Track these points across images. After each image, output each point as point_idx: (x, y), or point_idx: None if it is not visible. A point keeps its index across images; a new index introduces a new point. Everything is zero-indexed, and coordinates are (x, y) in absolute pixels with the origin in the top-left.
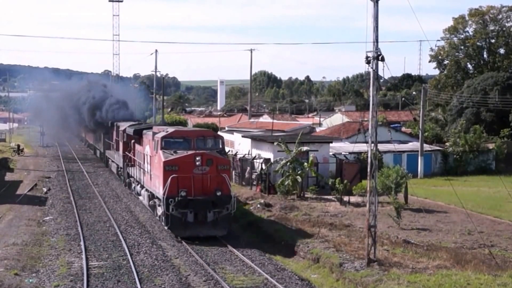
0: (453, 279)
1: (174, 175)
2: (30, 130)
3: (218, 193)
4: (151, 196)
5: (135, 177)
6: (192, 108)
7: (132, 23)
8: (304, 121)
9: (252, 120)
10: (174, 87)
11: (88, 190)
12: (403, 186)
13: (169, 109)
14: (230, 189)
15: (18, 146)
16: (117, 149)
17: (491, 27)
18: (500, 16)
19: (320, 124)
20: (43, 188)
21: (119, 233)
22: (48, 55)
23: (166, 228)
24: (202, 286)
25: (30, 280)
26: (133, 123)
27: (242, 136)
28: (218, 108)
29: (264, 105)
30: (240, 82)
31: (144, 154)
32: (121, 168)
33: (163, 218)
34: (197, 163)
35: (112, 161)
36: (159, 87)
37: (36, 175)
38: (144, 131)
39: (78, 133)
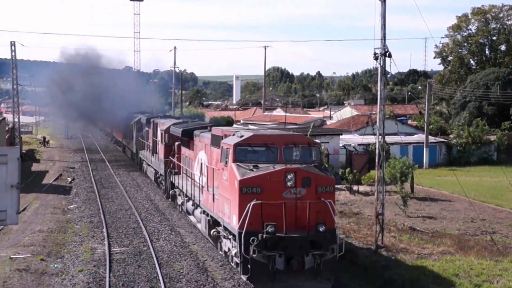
0: (456, 264)
1: (256, 201)
2: (55, 123)
3: (320, 228)
4: (213, 223)
5: (183, 190)
6: (209, 102)
7: (152, 21)
8: (315, 114)
9: (266, 113)
10: (192, 82)
11: (110, 179)
12: (409, 176)
13: (187, 103)
14: (334, 221)
15: (44, 138)
16: (155, 152)
17: (493, 25)
18: (501, 15)
19: (330, 117)
20: (68, 178)
21: (139, 220)
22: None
23: (244, 278)
24: (218, 271)
25: (55, 265)
26: (176, 120)
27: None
28: (234, 102)
29: (277, 99)
30: (255, 77)
31: (197, 161)
32: (161, 175)
33: (239, 262)
34: (289, 183)
35: (148, 165)
36: (178, 82)
37: (61, 165)
38: (197, 132)
39: (103, 127)
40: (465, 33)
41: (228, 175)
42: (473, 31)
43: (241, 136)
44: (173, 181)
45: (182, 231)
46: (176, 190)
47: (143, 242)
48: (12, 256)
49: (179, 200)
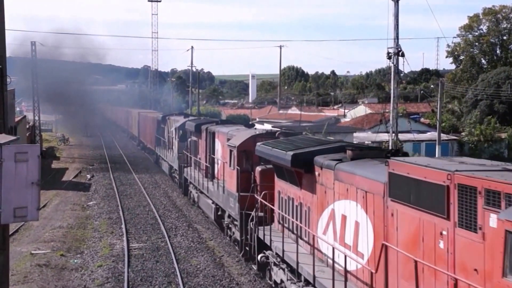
0: None
1: None
2: (75, 121)
3: None
4: None
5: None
6: (226, 101)
7: (170, 22)
8: (330, 112)
9: (281, 111)
10: (209, 81)
11: (128, 176)
12: None
13: (204, 102)
14: None
15: (63, 136)
16: (216, 176)
17: (504, 25)
18: (511, 15)
19: (344, 116)
20: (87, 175)
21: (157, 217)
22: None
23: None
24: (235, 266)
25: (75, 261)
26: (250, 130)
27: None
28: (250, 100)
29: (293, 98)
30: (270, 76)
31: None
32: (231, 217)
33: None
34: None
35: (201, 192)
36: (195, 81)
37: (80, 163)
38: (325, 162)
39: (127, 128)
40: (477, 33)
41: None
42: (484, 31)
43: None
44: (271, 240)
45: (199, 227)
46: (270, 255)
47: (161, 238)
48: (32, 252)
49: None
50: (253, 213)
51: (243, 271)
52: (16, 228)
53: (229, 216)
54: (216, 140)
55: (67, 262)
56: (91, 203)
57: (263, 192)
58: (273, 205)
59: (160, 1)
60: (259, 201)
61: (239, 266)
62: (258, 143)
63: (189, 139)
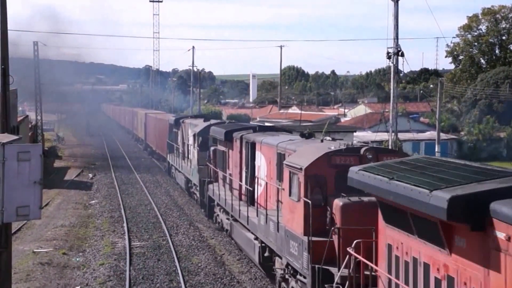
0: None
1: None
2: (77, 121)
3: None
4: None
5: None
6: (226, 100)
7: (171, 22)
8: (330, 112)
9: (282, 111)
10: (210, 81)
11: (130, 176)
12: None
13: (205, 101)
14: None
15: (57, 135)
16: (254, 201)
17: (503, 25)
18: (511, 15)
19: (344, 115)
20: (89, 174)
21: (159, 215)
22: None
23: None
24: (235, 264)
25: (77, 259)
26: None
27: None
28: (251, 100)
29: (293, 97)
30: (271, 76)
31: None
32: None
33: None
34: None
35: (234, 221)
36: (196, 81)
37: (82, 162)
38: None
39: (130, 130)
40: (476, 33)
41: None
42: (483, 31)
43: None
44: None
45: (200, 226)
46: None
47: (162, 236)
48: (35, 250)
49: None
50: (335, 271)
51: (244, 269)
52: (18, 226)
53: (288, 265)
54: (258, 154)
55: (69, 260)
56: (93, 201)
57: (355, 241)
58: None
59: (161, 1)
60: (339, 250)
61: (240, 264)
62: (354, 169)
63: (213, 148)
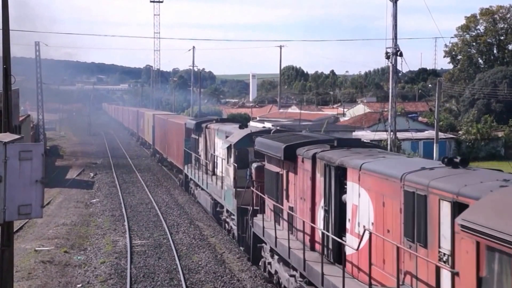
0: None
1: None
2: (78, 121)
3: None
4: None
5: None
6: (227, 100)
7: (171, 22)
8: (329, 111)
9: (281, 110)
10: (210, 81)
11: (131, 175)
12: None
13: (205, 101)
14: None
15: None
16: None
17: (501, 25)
18: (508, 15)
19: (344, 114)
20: (90, 173)
21: (159, 214)
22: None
23: None
24: (236, 262)
25: (79, 257)
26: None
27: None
28: (250, 99)
29: (292, 97)
30: (271, 76)
31: None
32: None
33: None
34: None
35: None
36: (196, 80)
37: (83, 161)
38: None
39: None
40: (474, 33)
41: None
42: (482, 31)
43: None
44: None
45: (200, 224)
46: None
47: (163, 234)
48: (36, 249)
49: None
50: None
51: (244, 267)
52: (20, 225)
53: None
54: (354, 186)
55: (70, 258)
56: (94, 200)
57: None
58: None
59: (162, 2)
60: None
61: (240, 262)
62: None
63: (257, 166)
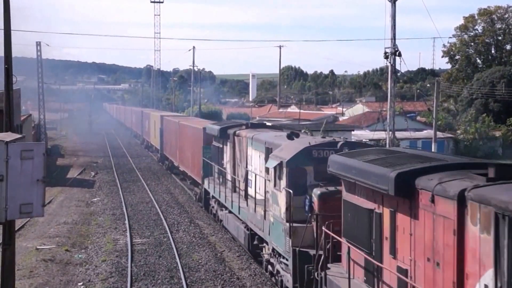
0: None
1: None
2: (79, 120)
3: None
4: None
5: None
6: (226, 100)
7: (172, 22)
8: (328, 111)
9: (281, 110)
10: (210, 80)
11: (132, 174)
12: None
13: (205, 100)
14: None
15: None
16: None
17: (499, 25)
18: (507, 15)
19: (342, 114)
20: (91, 172)
21: (160, 213)
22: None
23: None
24: (235, 261)
25: (80, 256)
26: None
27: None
28: (250, 99)
29: (292, 97)
30: (270, 76)
31: None
32: None
33: None
34: None
35: None
36: (196, 80)
37: (84, 160)
38: None
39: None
40: (472, 33)
41: None
42: (480, 31)
43: None
44: None
45: (200, 223)
46: None
47: (163, 233)
48: (38, 247)
49: None
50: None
51: (243, 265)
52: (22, 224)
53: None
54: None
55: (71, 257)
56: (95, 199)
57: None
58: None
59: (162, 2)
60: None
61: (240, 260)
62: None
63: (321, 193)
